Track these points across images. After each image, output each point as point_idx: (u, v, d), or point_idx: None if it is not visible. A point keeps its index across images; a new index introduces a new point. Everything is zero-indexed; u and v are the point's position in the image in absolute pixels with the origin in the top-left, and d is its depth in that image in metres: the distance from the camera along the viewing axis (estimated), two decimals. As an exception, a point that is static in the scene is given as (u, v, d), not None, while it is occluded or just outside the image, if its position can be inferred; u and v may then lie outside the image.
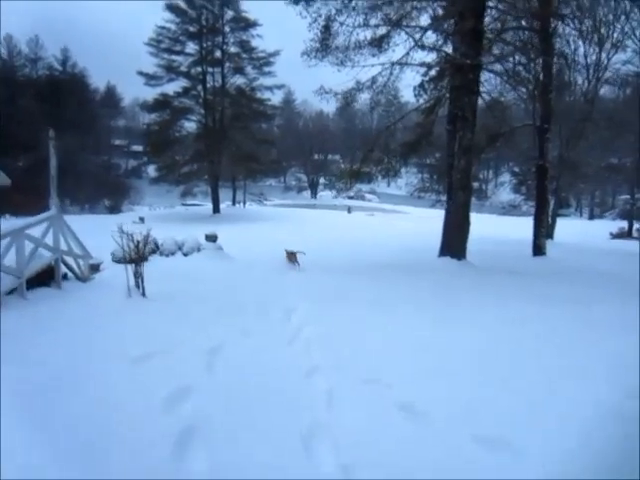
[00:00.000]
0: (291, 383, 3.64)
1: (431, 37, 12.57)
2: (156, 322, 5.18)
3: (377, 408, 3.33)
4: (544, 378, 3.89)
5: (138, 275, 6.57)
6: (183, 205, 40.43)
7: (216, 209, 33.79)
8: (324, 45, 11.85)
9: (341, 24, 11.53)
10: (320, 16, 11.23)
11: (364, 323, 5.47)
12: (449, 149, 11.48)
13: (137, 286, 6.54)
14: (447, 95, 13.47)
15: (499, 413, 3.32)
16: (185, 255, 10.47)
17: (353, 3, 11.32)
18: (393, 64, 11.77)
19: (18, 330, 4.65)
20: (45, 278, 6.67)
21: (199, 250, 10.46)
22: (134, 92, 33.41)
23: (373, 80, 12.71)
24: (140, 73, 31.95)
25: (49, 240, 6.76)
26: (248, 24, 32.61)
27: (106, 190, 38.06)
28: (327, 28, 11.55)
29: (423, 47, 12.35)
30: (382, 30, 12.23)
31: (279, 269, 9.97)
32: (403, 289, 7.68)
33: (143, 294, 6.46)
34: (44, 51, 47.29)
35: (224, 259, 10.37)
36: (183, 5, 31.51)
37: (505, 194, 45.28)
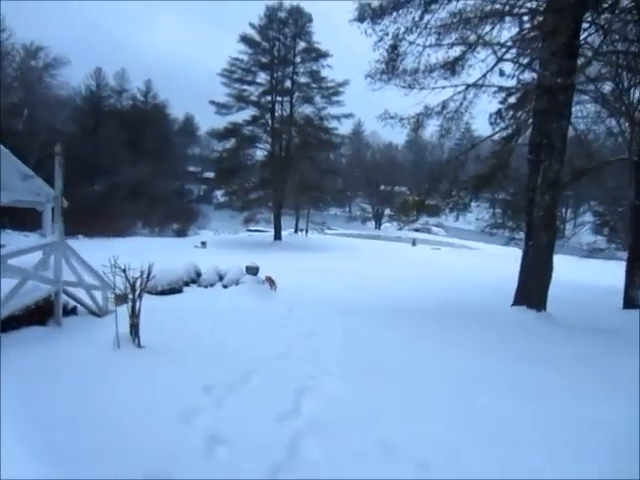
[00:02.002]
0: None
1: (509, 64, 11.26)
2: (111, 405, 3.66)
3: None
4: None
5: (133, 322, 5.24)
6: (248, 231, 40.75)
7: (277, 236, 33.60)
8: (390, 66, 10.87)
9: (410, 43, 10.53)
10: (387, 34, 10.29)
11: (396, 419, 3.70)
12: (530, 182, 9.91)
13: (131, 334, 5.25)
14: (529, 122, 12.00)
15: None
16: (225, 287, 9.65)
17: (425, 21, 10.31)
18: (468, 86, 10.51)
19: None
20: (42, 315, 5.89)
21: (237, 283, 9.58)
22: (210, 121, 34.57)
23: (444, 105, 11.53)
24: (212, 102, 32.96)
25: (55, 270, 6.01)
26: (319, 55, 32.87)
27: (176, 214, 39.19)
28: (395, 48, 10.57)
29: (502, 73, 11.04)
30: (456, 51, 11.11)
31: (324, 313, 8.61)
32: (459, 353, 5.95)
33: (138, 345, 5.18)
34: (129, 83, 50.84)
35: (263, 295, 9.34)
36: (257, 37, 32.43)
37: (585, 235, 41.32)
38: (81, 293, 6.74)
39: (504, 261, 26.70)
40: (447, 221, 61.03)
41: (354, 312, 8.94)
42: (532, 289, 9.34)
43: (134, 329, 5.25)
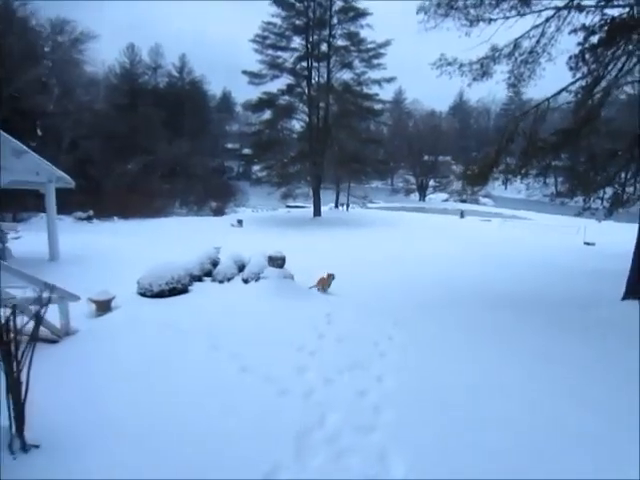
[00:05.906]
0: None
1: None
2: None
3: None
4: None
5: (15, 402, 2.96)
6: (287, 207, 39.37)
7: (317, 212, 31.95)
8: (449, -6, 8.74)
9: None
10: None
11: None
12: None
13: (11, 427, 2.97)
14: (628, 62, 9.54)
15: None
16: (245, 282, 7.68)
17: None
18: (559, 9, 8.20)
19: None
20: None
21: (258, 279, 7.51)
22: (247, 96, 32.77)
23: (516, 44, 9.33)
24: (244, 72, 31.14)
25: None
26: (357, 14, 30.32)
27: (214, 192, 38.25)
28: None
29: (581, 7, 8.68)
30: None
31: (372, 320, 6.36)
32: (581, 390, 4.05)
33: (22, 447, 2.96)
34: (163, 59, 49.69)
35: (290, 295, 7.03)
36: (291, -3, 30.06)
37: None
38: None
39: (566, 232, 24.01)
40: (495, 190, 57.30)
41: (415, 313, 7.03)
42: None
43: (16, 419, 2.96)
